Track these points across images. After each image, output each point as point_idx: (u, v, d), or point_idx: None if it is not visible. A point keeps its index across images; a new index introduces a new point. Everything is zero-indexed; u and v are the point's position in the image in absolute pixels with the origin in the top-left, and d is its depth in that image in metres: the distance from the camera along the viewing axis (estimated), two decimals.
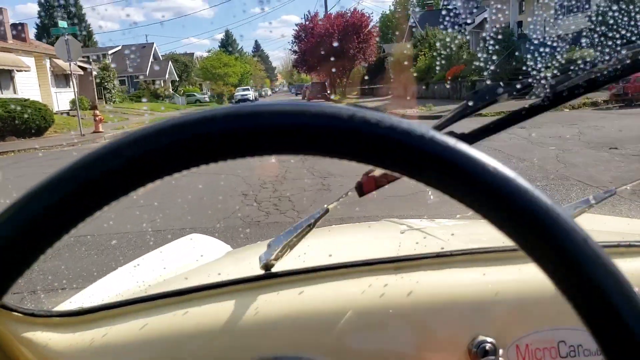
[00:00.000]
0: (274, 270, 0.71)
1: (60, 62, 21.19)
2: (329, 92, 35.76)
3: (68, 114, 21.47)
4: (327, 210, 0.77)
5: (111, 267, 1.27)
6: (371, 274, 0.70)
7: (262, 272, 0.71)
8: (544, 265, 0.26)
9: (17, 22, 24.42)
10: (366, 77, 31.97)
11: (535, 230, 0.25)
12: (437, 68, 21.16)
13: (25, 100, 16.55)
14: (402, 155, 0.26)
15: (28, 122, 15.35)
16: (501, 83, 0.74)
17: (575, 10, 20.54)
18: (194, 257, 1.26)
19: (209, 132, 0.27)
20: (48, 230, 0.27)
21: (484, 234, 0.89)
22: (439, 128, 0.76)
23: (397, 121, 0.27)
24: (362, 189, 0.76)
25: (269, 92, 77.53)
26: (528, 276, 0.67)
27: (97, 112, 16.73)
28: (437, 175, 0.26)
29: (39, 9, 46.26)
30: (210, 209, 4.84)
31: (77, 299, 1.02)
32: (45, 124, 16.39)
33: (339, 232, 1.19)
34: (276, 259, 0.71)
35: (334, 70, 33.19)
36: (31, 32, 31.99)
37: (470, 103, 0.77)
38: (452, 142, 0.27)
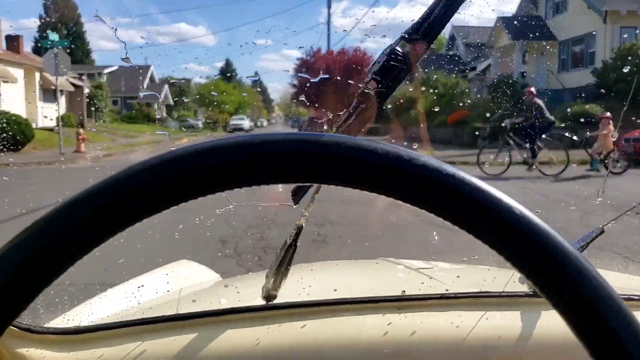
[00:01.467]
0: (276, 301, 0.71)
1: (49, 75, 20.50)
2: (326, 128, 35.34)
3: (52, 130, 20.60)
4: (301, 227, 0.76)
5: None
6: (375, 311, 0.70)
7: (263, 302, 0.71)
8: (565, 310, 0.27)
9: (13, 34, 23.95)
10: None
11: (561, 277, 0.27)
12: (437, 109, 20.74)
13: (6, 113, 15.72)
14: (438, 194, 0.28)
15: (4, 137, 14.47)
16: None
17: (579, 65, 20.39)
18: (186, 283, 1.25)
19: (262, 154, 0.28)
20: (63, 255, 0.28)
21: (488, 278, 0.90)
22: None
23: (430, 160, 0.28)
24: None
25: (265, 123, 77.54)
26: (531, 322, 0.69)
27: (81, 130, 15.91)
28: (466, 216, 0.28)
29: (39, 23, 46.02)
30: (176, 256, 3.95)
31: (72, 315, 0.96)
32: (24, 139, 15.51)
33: (343, 267, 1.18)
34: (275, 288, 0.70)
35: (331, 109, 32.94)
36: (28, 45, 31.62)
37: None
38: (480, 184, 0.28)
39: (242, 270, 3.77)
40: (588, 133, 10.67)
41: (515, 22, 22.15)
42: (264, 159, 0.29)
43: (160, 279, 1.32)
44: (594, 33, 19.22)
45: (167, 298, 1.01)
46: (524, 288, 0.77)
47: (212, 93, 47.28)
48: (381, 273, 1.13)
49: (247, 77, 64.59)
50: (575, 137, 11.18)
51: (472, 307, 0.72)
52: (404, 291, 0.75)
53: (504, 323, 0.70)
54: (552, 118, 11.14)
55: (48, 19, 45.14)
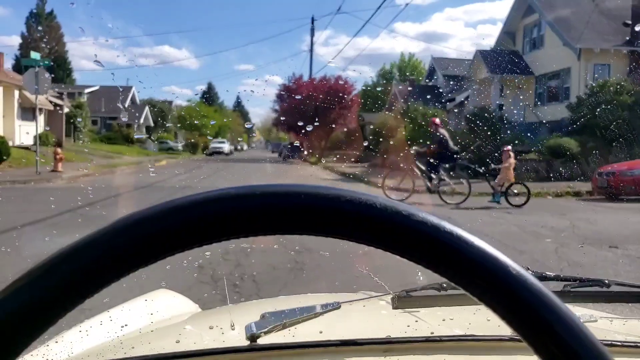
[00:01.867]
0: (260, 341, 0.69)
1: (29, 94, 20.23)
2: (305, 153, 35.52)
3: (29, 149, 20.22)
4: (338, 307, 0.77)
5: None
6: (361, 354, 0.69)
7: (246, 342, 0.69)
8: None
9: None
10: (349, 141, 31.87)
11: (551, 334, 0.27)
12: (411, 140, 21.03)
13: None
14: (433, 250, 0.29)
15: None
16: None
17: (555, 99, 21.01)
18: (165, 314, 1.24)
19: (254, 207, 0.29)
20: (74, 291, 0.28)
21: (474, 321, 0.91)
22: None
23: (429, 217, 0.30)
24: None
25: (245, 147, 77.48)
26: None
27: (59, 150, 15.64)
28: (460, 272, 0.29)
29: (20, 41, 45.61)
30: (152, 283, 3.87)
31: (50, 352, 0.93)
32: (0, 157, 15.20)
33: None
34: (267, 332, 0.69)
35: (314, 134, 33.08)
36: (9, 63, 31.23)
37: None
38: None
39: (218, 297, 3.71)
40: (492, 165, 10.91)
41: (493, 56, 22.80)
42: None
43: (139, 310, 1.29)
44: (569, 69, 19.89)
45: (149, 334, 0.99)
46: (510, 332, 0.74)
47: (201, 116, 47.26)
48: (366, 311, 1.12)
49: (246, 125, 64.97)
50: (480, 169, 11.43)
51: (458, 351, 0.71)
52: (388, 335, 0.74)
53: None
54: (455, 149, 11.55)
55: (30, 38, 44.84)
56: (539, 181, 11.63)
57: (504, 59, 22.18)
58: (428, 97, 30.17)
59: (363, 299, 1.21)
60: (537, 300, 0.28)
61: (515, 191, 10.24)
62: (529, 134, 18.23)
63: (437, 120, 11.79)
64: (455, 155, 11.45)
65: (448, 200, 10.55)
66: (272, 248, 5.40)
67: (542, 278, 0.87)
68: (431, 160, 11.09)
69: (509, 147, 10.96)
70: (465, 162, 12.95)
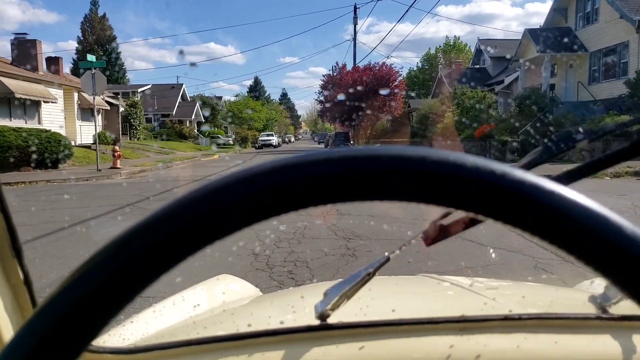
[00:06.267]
0: (331, 321, 0.69)
1: (87, 95, 21.34)
2: (352, 142, 35.50)
3: (90, 147, 21.37)
4: (387, 259, 0.73)
5: None
6: (436, 333, 0.67)
7: (318, 322, 0.68)
8: None
9: (53, 56, 25.01)
10: (395, 127, 31.60)
11: None
12: (466, 123, 20.63)
13: (46, 131, 16.43)
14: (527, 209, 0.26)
15: (46, 154, 15.11)
16: (580, 129, 0.70)
17: (612, 76, 20.00)
18: (230, 298, 1.26)
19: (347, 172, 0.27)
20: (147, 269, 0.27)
21: (556, 298, 0.87)
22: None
23: (508, 169, 0.27)
24: (431, 238, 0.70)
25: (292, 139, 78.34)
26: (603, 347, 0.64)
27: (117, 147, 16.47)
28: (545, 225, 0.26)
29: (77, 45, 47.88)
30: (214, 270, 4.12)
31: (126, 333, 0.94)
32: (64, 156, 16.16)
33: (400, 284, 1.15)
34: (333, 308, 0.67)
35: (360, 123, 32.99)
36: (67, 67, 32.96)
37: (552, 147, 0.70)
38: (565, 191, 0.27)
39: (274, 283, 3.91)
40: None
41: (543, 34, 21.91)
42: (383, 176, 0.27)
43: (206, 293, 1.36)
44: (626, 43, 18.87)
45: (221, 315, 1.01)
46: (596, 310, 0.74)
47: (248, 111, 48.00)
48: (432, 291, 1.09)
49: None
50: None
51: (539, 330, 0.68)
52: (463, 314, 0.72)
53: (574, 348, 0.65)
54: None
55: (85, 41, 46.98)
56: None
57: (555, 37, 21.26)
58: (476, 80, 29.45)
59: (429, 279, 1.20)
60: None
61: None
62: (583, 113, 17.50)
63: None
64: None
65: None
66: (324, 236, 5.58)
67: None
68: None
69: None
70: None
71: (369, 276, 0.70)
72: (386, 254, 0.74)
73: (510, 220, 0.27)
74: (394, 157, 0.27)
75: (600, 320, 0.70)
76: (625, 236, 0.26)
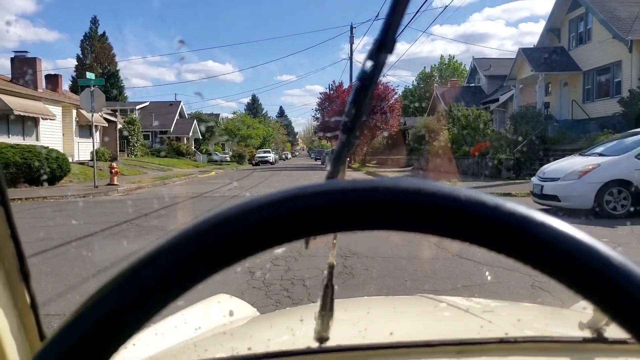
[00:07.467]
0: (330, 344, 0.68)
1: (85, 112, 21.43)
2: (348, 159, 35.51)
3: (87, 164, 21.39)
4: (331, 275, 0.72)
5: None
6: (433, 356, 0.68)
7: (317, 344, 0.68)
8: None
9: (52, 73, 25.17)
10: (391, 145, 31.71)
11: None
12: (462, 139, 20.76)
13: (44, 148, 16.45)
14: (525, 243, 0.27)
15: (42, 171, 15.10)
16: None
17: (605, 95, 20.24)
18: (227, 318, 1.25)
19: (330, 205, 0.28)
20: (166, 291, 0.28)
21: (552, 321, 0.89)
22: None
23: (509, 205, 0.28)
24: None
25: (289, 156, 78.55)
26: None
27: (114, 164, 16.49)
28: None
29: (76, 63, 48.16)
30: (210, 288, 4.12)
31: (126, 355, 0.90)
32: (61, 173, 16.16)
33: (398, 305, 1.15)
34: (325, 329, 0.67)
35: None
36: (66, 84, 33.14)
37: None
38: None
39: (271, 302, 3.91)
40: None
41: (537, 53, 22.22)
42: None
43: (203, 313, 1.37)
44: (619, 62, 19.14)
45: (221, 336, 1.03)
46: (591, 333, 0.75)
47: (245, 127, 48.09)
48: (430, 312, 1.10)
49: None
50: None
51: (534, 353, 0.69)
52: (460, 337, 0.73)
53: None
54: None
55: (85, 59, 47.28)
56: None
57: (549, 56, 21.55)
58: (471, 98, 29.72)
59: (427, 299, 1.22)
60: None
61: None
62: (577, 132, 17.65)
63: None
64: None
65: None
66: (321, 253, 5.58)
67: None
68: None
69: None
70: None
71: (329, 288, 0.70)
72: (327, 262, 0.73)
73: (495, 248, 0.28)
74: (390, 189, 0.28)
75: (595, 344, 0.71)
76: (614, 267, 0.26)
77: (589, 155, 9.72)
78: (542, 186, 9.21)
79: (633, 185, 8.46)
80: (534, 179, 9.75)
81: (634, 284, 0.26)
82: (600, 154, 9.38)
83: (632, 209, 8.42)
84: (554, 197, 8.86)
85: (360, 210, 0.28)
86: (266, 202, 0.29)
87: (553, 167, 9.70)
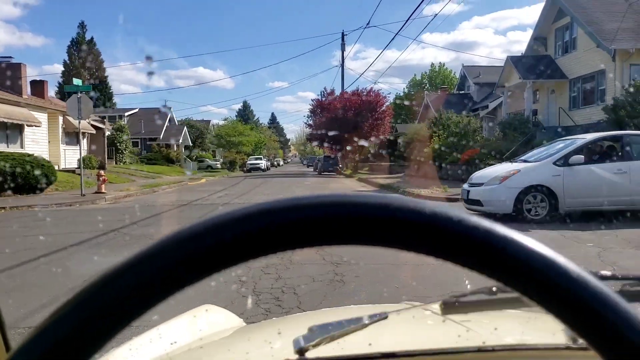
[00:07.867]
0: (309, 355, 0.67)
1: (72, 119, 21.21)
2: (340, 166, 35.60)
3: (74, 172, 21.13)
4: (385, 317, 0.73)
5: None
6: None
7: (295, 356, 0.68)
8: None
9: (38, 79, 24.88)
10: (383, 152, 31.79)
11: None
12: (449, 145, 20.85)
13: (29, 155, 16.22)
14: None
15: (27, 178, 14.87)
16: None
17: (591, 102, 20.48)
18: (212, 329, 1.25)
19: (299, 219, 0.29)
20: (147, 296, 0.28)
21: (527, 330, 0.88)
22: None
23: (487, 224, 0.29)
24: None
25: (281, 162, 78.46)
26: None
27: (102, 172, 16.30)
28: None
29: (63, 68, 47.77)
30: (196, 296, 4.04)
31: None
32: (47, 181, 15.92)
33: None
34: (315, 346, 0.67)
35: (348, 147, 33.21)
36: (52, 90, 32.83)
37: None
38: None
39: (261, 310, 3.84)
40: None
41: (525, 62, 22.45)
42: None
43: (186, 326, 1.34)
44: (603, 71, 19.39)
45: (198, 351, 1.01)
46: (566, 339, 0.75)
47: (238, 134, 47.79)
48: (413, 321, 1.11)
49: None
50: None
51: None
52: (439, 346, 0.73)
53: None
54: None
55: (72, 65, 46.91)
56: None
57: (536, 64, 21.81)
58: (461, 105, 29.91)
59: (409, 308, 1.20)
60: (601, 302, 0.26)
61: None
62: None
63: None
64: None
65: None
66: (312, 261, 5.53)
67: (601, 278, 0.83)
68: None
69: None
70: None
71: (363, 327, 0.70)
72: (386, 312, 0.76)
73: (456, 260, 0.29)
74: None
75: (570, 350, 0.71)
76: (570, 278, 0.27)
77: (517, 161, 9.85)
78: (469, 191, 9.30)
79: (550, 191, 8.56)
80: (465, 185, 9.85)
81: (590, 293, 0.26)
82: (525, 161, 9.50)
83: (550, 213, 8.55)
84: (478, 202, 8.95)
85: (325, 225, 0.29)
86: (229, 219, 0.29)
87: (481, 173, 9.85)
